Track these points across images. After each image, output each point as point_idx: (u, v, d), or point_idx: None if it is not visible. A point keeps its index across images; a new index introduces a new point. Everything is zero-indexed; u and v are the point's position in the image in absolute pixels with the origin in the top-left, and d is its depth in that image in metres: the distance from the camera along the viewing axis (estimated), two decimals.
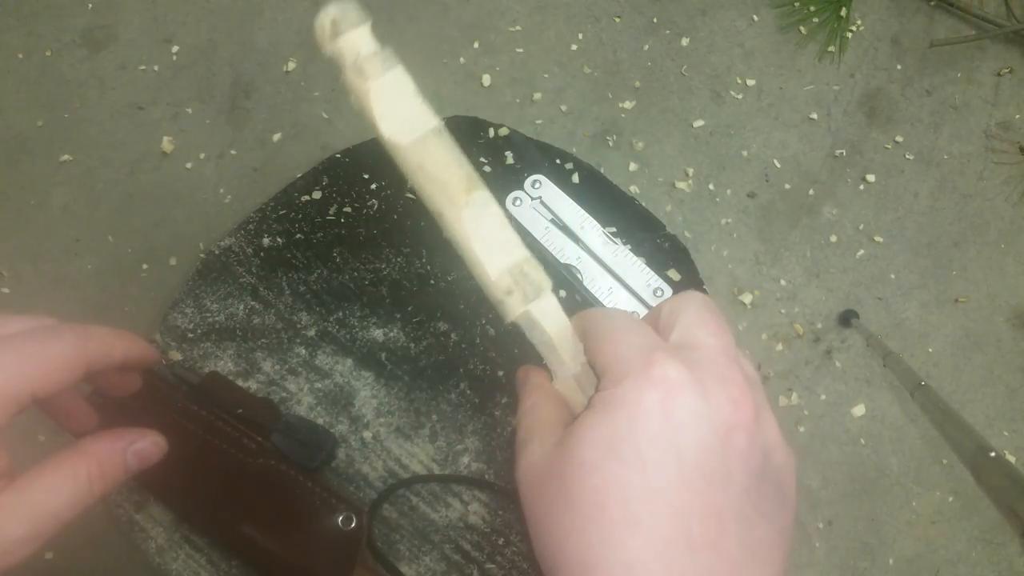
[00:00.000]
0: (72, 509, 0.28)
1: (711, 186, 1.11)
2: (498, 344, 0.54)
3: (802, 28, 1.21)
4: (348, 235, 0.58)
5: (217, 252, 0.57)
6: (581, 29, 1.17)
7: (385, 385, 0.54)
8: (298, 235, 0.58)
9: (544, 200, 0.58)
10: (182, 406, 0.47)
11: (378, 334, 0.55)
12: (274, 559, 0.45)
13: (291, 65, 1.11)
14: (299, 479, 0.46)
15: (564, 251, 0.56)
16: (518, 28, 1.16)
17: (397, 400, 0.53)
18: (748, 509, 0.22)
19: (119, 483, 0.31)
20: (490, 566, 0.49)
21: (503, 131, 0.62)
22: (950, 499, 1.02)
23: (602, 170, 0.63)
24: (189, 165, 1.05)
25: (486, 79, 1.12)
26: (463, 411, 0.53)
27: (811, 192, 1.13)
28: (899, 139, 1.17)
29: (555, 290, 0.29)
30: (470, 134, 0.62)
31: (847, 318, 1.05)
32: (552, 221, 0.57)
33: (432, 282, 0.56)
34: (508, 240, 0.30)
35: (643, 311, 0.55)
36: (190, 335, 0.54)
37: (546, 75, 1.14)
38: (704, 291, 0.59)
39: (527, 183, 0.58)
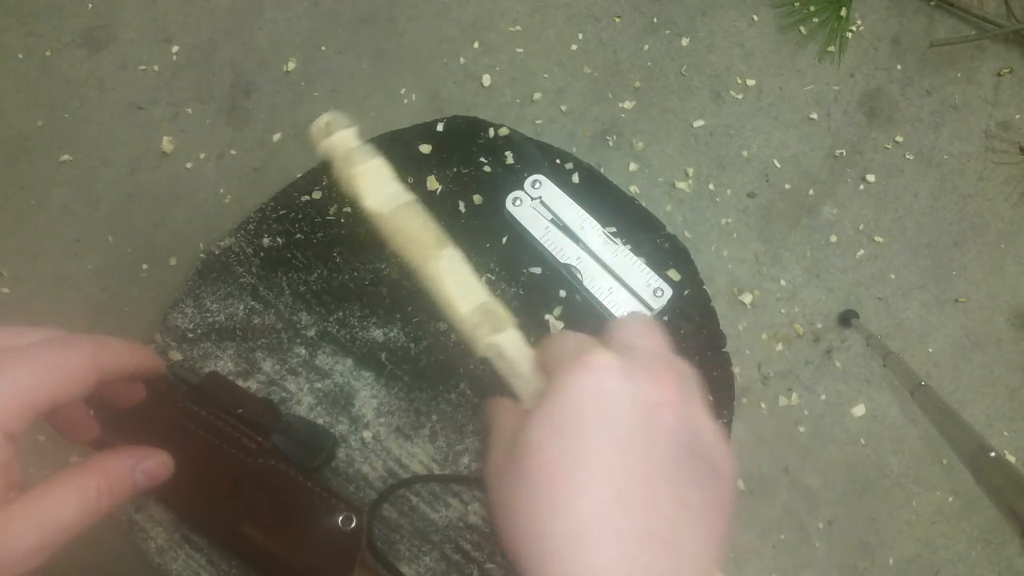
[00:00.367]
0: (80, 523, 0.29)
1: (711, 186, 1.11)
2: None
3: (802, 28, 1.21)
4: (348, 235, 0.58)
5: (217, 252, 0.57)
6: (581, 29, 1.17)
7: (385, 385, 0.54)
8: (298, 235, 0.58)
9: (544, 200, 0.58)
10: (182, 406, 0.47)
11: (378, 334, 0.55)
12: (274, 559, 0.45)
13: (291, 65, 1.11)
14: (299, 479, 0.46)
15: (564, 251, 0.56)
16: (518, 28, 1.16)
17: (397, 400, 0.53)
18: (678, 475, 0.25)
19: (126, 499, 0.32)
20: (490, 566, 0.49)
21: (503, 131, 0.62)
22: (950, 499, 1.02)
23: (602, 170, 0.63)
24: (189, 165, 1.05)
25: (486, 79, 1.12)
26: (463, 411, 0.53)
27: (811, 192, 1.13)
28: (899, 139, 1.17)
29: (518, 325, 0.35)
30: (470, 134, 0.62)
31: (847, 318, 1.05)
32: (552, 221, 0.57)
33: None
34: (474, 285, 0.36)
35: (643, 311, 0.55)
36: (190, 335, 0.54)
37: (546, 75, 1.14)
38: (704, 291, 0.59)
39: (527, 183, 0.58)
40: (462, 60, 1.14)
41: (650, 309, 0.56)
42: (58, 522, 0.28)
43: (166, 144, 1.05)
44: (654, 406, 0.26)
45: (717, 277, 1.07)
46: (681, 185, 1.10)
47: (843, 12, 1.21)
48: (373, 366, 0.54)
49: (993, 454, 0.59)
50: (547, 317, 0.56)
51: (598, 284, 0.56)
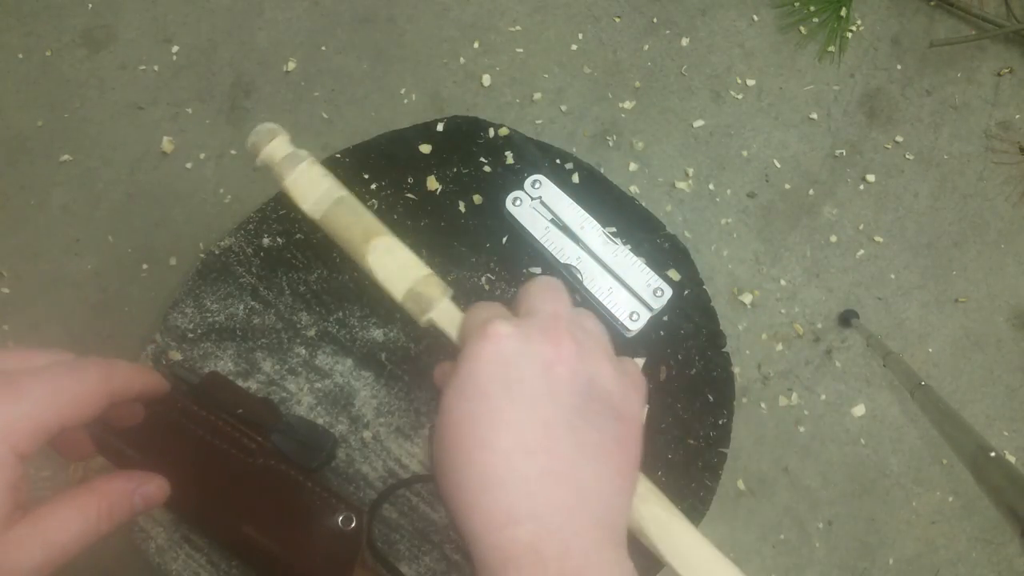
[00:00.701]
0: (80, 543, 0.30)
1: (711, 186, 1.11)
2: None
3: (802, 28, 1.21)
4: None
5: (217, 252, 0.57)
6: (581, 29, 1.17)
7: (385, 385, 0.54)
8: (298, 235, 0.58)
9: (544, 200, 0.58)
10: (182, 406, 0.47)
11: (378, 334, 0.55)
12: (274, 559, 0.45)
13: (291, 65, 1.11)
14: (299, 479, 0.46)
15: (564, 251, 0.56)
16: (518, 28, 1.16)
17: (397, 400, 0.53)
18: (576, 420, 0.28)
19: (125, 522, 0.33)
20: None
21: (503, 131, 0.62)
22: (950, 499, 1.02)
23: (602, 170, 0.63)
24: (189, 165, 1.05)
25: (486, 79, 1.12)
26: None
27: (811, 192, 1.13)
28: (899, 139, 1.17)
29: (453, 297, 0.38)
30: (470, 134, 0.62)
31: (847, 318, 1.05)
32: (552, 221, 0.57)
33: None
34: (409, 266, 0.39)
35: (643, 311, 0.55)
36: (190, 335, 0.54)
37: (546, 75, 1.14)
38: (704, 291, 0.59)
39: (527, 183, 0.58)
40: (462, 60, 1.14)
41: (650, 309, 0.56)
42: (60, 543, 0.29)
43: (166, 144, 1.05)
44: (550, 363, 0.29)
45: (717, 277, 1.07)
46: (681, 185, 1.10)
47: (843, 12, 1.21)
48: (373, 366, 0.54)
49: (993, 454, 0.59)
50: None
51: (598, 284, 0.56)
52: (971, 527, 1.02)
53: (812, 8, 1.21)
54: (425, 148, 0.61)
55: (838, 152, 1.15)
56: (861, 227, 1.12)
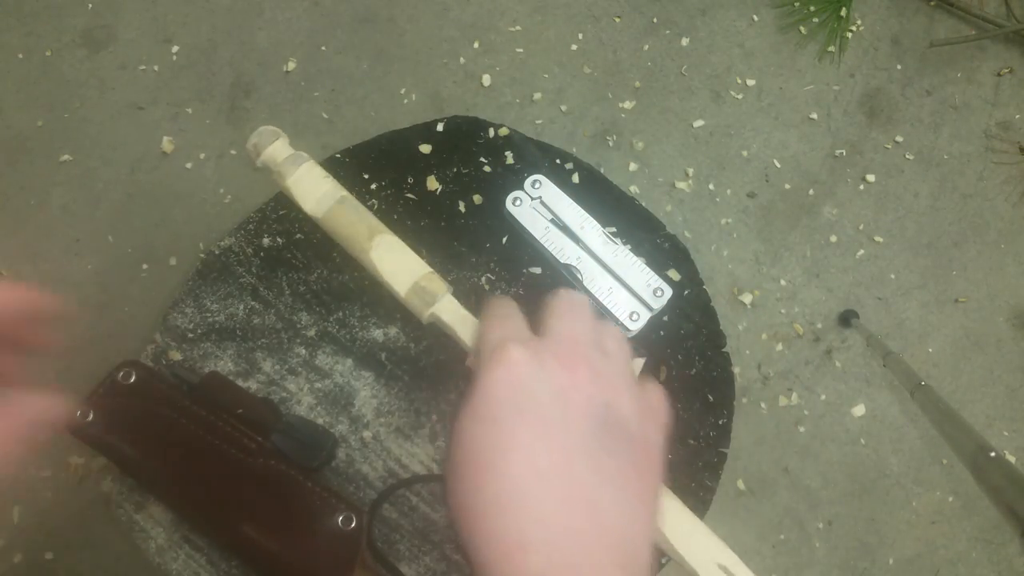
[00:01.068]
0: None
1: (711, 186, 1.11)
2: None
3: (802, 28, 1.21)
4: None
5: (217, 252, 0.57)
6: (581, 29, 1.17)
7: (385, 385, 0.54)
8: (298, 235, 0.58)
9: (544, 200, 0.58)
10: (182, 406, 0.47)
11: (378, 334, 0.55)
12: (274, 559, 0.45)
13: (291, 65, 1.11)
14: (299, 479, 0.46)
15: (564, 251, 0.56)
16: (518, 28, 1.16)
17: (397, 400, 0.53)
18: (594, 447, 0.27)
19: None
20: None
21: (503, 131, 0.62)
22: (950, 499, 1.02)
23: (602, 170, 0.63)
24: (189, 165, 1.05)
25: (486, 79, 1.12)
26: None
27: (811, 192, 1.13)
28: (899, 139, 1.17)
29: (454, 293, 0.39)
30: (470, 134, 0.62)
31: (847, 318, 1.05)
32: (552, 221, 0.57)
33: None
34: (409, 265, 0.39)
35: (643, 311, 0.55)
36: (190, 335, 0.54)
37: (546, 75, 1.14)
38: (704, 291, 0.59)
39: (527, 183, 0.58)
40: (462, 60, 1.14)
41: (650, 309, 0.56)
42: None
43: (166, 144, 1.05)
44: (564, 389, 0.28)
45: (717, 277, 1.07)
46: (681, 185, 1.10)
47: (843, 12, 1.21)
48: (373, 366, 0.54)
49: (993, 454, 0.59)
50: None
51: (598, 284, 0.56)
52: (971, 527, 1.02)
53: (812, 8, 1.21)
54: (425, 148, 0.61)
55: (838, 152, 1.15)
56: (861, 227, 1.12)
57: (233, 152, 1.06)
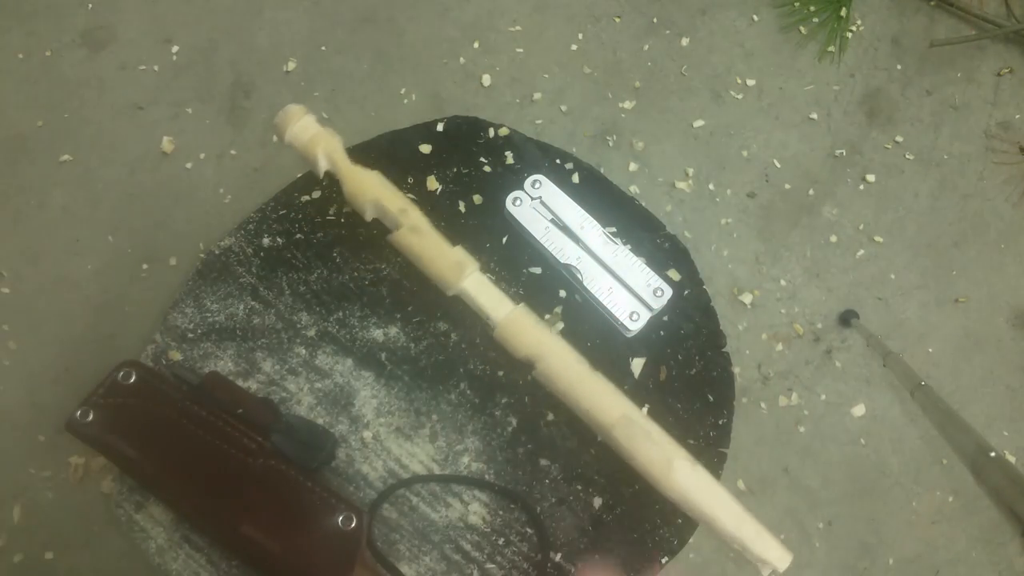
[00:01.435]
0: None
1: (711, 186, 1.11)
2: (498, 344, 0.54)
3: (802, 28, 1.21)
4: (348, 235, 0.58)
5: (217, 252, 0.57)
6: (581, 29, 1.17)
7: (385, 385, 0.54)
8: (298, 235, 0.58)
9: (544, 200, 0.58)
10: (182, 406, 0.47)
11: (378, 334, 0.55)
12: (274, 559, 0.45)
13: (291, 65, 1.11)
14: (299, 479, 0.46)
15: (564, 251, 0.56)
16: (518, 28, 1.16)
17: (397, 400, 0.53)
18: None
19: None
20: (490, 566, 0.49)
21: (503, 131, 0.62)
22: (950, 499, 1.02)
23: (602, 170, 0.63)
24: (189, 165, 1.05)
25: (486, 79, 1.12)
26: (463, 411, 0.53)
27: (811, 192, 1.13)
28: (899, 139, 1.17)
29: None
30: (470, 134, 0.62)
31: (847, 318, 1.05)
32: (552, 221, 0.57)
33: (432, 282, 0.56)
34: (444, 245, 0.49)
35: (643, 311, 0.55)
36: (190, 335, 0.54)
37: (546, 75, 1.14)
38: (704, 291, 0.59)
39: (527, 183, 0.58)
40: (462, 60, 1.14)
41: (650, 309, 0.56)
42: None
43: (166, 144, 1.05)
44: None
45: (717, 277, 1.07)
46: (681, 185, 1.10)
47: (843, 12, 1.21)
48: (373, 366, 0.54)
49: (993, 454, 0.59)
50: (547, 317, 0.56)
51: (598, 284, 0.56)
52: (971, 527, 1.02)
53: (812, 8, 1.21)
54: (425, 148, 0.61)
55: (838, 152, 1.15)
56: (861, 227, 1.12)
57: (233, 152, 1.06)
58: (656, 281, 0.56)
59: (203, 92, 1.09)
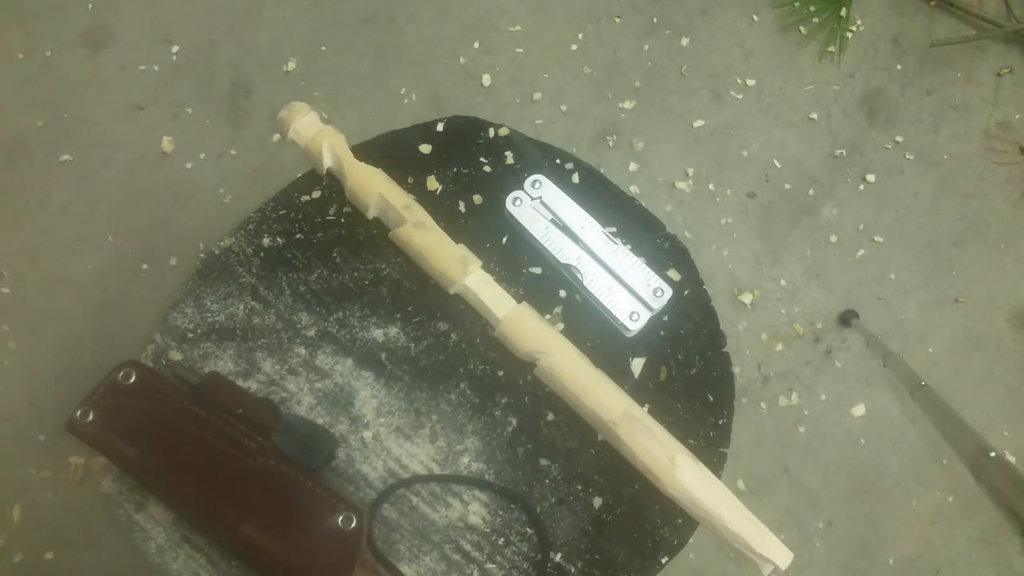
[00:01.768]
0: None
1: (711, 186, 1.11)
2: (498, 344, 0.54)
3: (802, 28, 1.21)
4: (348, 235, 0.58)
5: (217, 252, 0.57)
6: (581, 29, 1.17)
7: (385, 385, 0.54)
8: (298, 235, 0.58)
9: (544, 200, 0.58)
10: (182, 406, 0.47)
11: (378, 334, 0.55)
12: (274, 559, 0.45)
13: (291, 65, 1.11)
14: (299, 479, 0.46)
15: (564, 251, 0.56)
16: (518, 28, 1.16)
17: (397, 400, 0.53)
18: None
19: None
20: (490, 566, 0.49)
21: (503, 131, 0.62)
22: (950, 499, 1.02)
23: (602, 170, 0.63)
24: (189, 165, 1.05)
25: (486, 79, 1.12)
26: (463, 411, 0.53)
27: (811, 192, 1.13)
28: (899, 139, 1.17)
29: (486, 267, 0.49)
30: (470, 134, 0.62)
31: (847, 318, 1.05)
32: (552, 221, 0.57)
33: (432, 282, 0.56)
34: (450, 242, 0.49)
35: (643, 311, 0.55)
36: (190, 335, 0.54)
37: (546, 75, 1.14)
38: (704, 291, 0.59)
39: (527, 183, 0.58)
40: (462, 60, 1.14)
41: (650, 309, 0.56)
42: None
43: (166, 144, 1.05)
44: None
45: (717, 277, 1.07)
46: (681, 185, 1.10)
47: (843, 12, 1.21)
48: (373, 366, 0.54)
49: (993, 454, 0.59)
50: (547, 316, 0.56)
51: (598, 284, 0.56)
52: (971, 527, 1.02)
53: (812, 8, 1.21)
54: (425, 148, 0.61)
55: (838, 152, 1.15)
56: (861, 227, 1.12)
57: (233, 152, 1.06)
58: (656, 281, 0.56)
59: (203, 92, 1.09)
